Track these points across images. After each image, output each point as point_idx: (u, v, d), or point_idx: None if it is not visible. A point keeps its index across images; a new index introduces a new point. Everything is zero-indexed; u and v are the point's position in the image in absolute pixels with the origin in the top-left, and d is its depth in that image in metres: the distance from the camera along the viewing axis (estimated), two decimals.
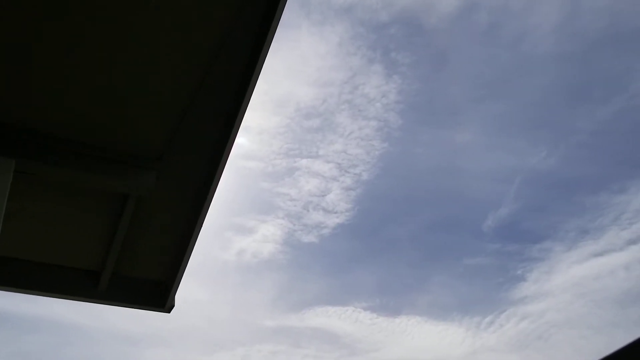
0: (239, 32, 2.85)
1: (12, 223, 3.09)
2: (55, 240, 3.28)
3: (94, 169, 3.00)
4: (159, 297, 3.48)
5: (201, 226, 3.29)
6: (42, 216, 3.18)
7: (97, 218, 3.19)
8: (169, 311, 3.58)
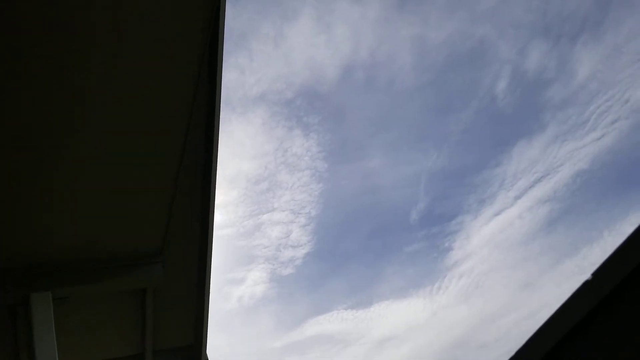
0: (193, 139, 3.58)
1: (61, 340, 3.81)
2: (98, 341, 4.01)
3: (112, 276, 3.72)
4: (194, 357, 4.23)
5: (209, 292, 4.03)
6: (82, 326, 3.91)
7: (127, 312, 3.93)
8: None
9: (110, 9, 2.39)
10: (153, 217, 3.67)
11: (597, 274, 1.36)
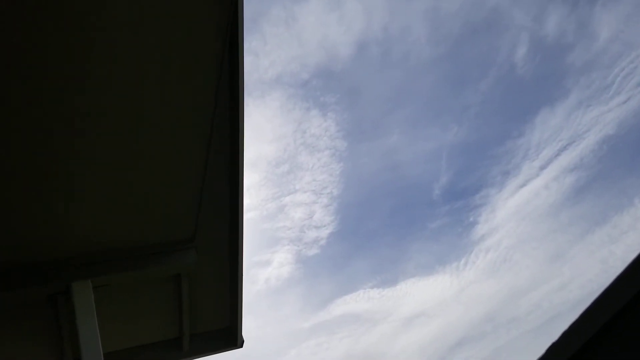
0: (218, 126, 3.62)
1: (103, 326, 3.94)
2: (138, 326, 4.14)
3: (148, 263, 3.82)
4: (231, 338, 4.33)
5: (242, 275, 4.11)
6: (122, 313, 4.03)
7: (164, 298, 4.04)
8: (241, 346, 4.42)
9: (131, 6, 2.44)
10: (185, 205, 3.74)
11: None
